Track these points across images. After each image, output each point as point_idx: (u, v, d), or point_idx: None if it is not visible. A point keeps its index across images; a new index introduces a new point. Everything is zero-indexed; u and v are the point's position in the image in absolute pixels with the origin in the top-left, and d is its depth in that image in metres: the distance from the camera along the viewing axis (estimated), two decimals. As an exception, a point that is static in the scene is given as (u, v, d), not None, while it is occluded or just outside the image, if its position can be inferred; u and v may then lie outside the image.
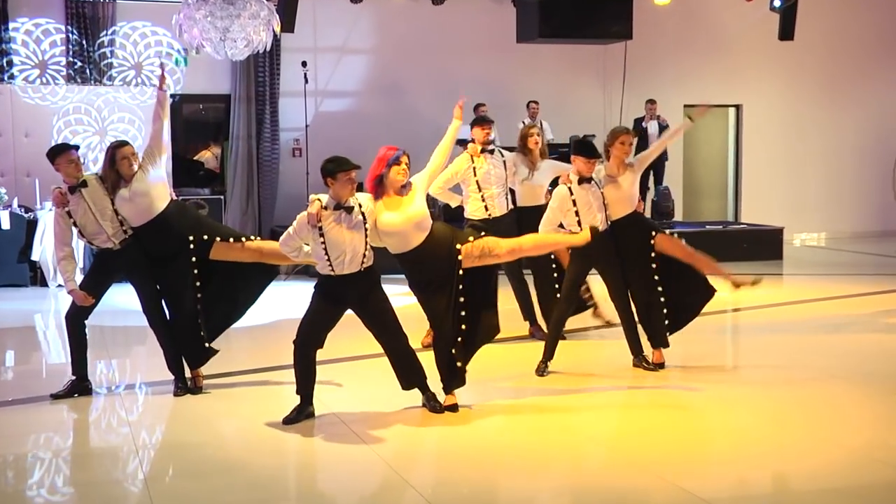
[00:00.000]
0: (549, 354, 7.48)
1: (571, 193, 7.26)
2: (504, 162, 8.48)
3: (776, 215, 16.09)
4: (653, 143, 15.24)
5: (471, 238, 6.39)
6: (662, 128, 15.35)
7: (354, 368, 7.63)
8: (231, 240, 6.96)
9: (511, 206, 8.53)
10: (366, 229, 6.16)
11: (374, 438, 5.95)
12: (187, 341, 6.91)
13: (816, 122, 17.33)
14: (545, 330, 8.30)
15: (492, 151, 8.46)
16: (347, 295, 6.23)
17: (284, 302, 11.16)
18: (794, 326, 9.50)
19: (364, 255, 6.15)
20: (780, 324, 9.67)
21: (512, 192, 8.59)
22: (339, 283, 6.16)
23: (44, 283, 11.96)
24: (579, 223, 7.24)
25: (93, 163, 12.99)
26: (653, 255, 7.43)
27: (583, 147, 7.41)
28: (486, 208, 8.35)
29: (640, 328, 7.61)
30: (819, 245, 16.98)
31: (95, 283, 6.85)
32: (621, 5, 14.88)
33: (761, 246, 14.54)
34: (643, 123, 15.37)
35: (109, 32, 13.93)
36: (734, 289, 7.65)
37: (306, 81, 13.02)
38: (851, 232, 17.42)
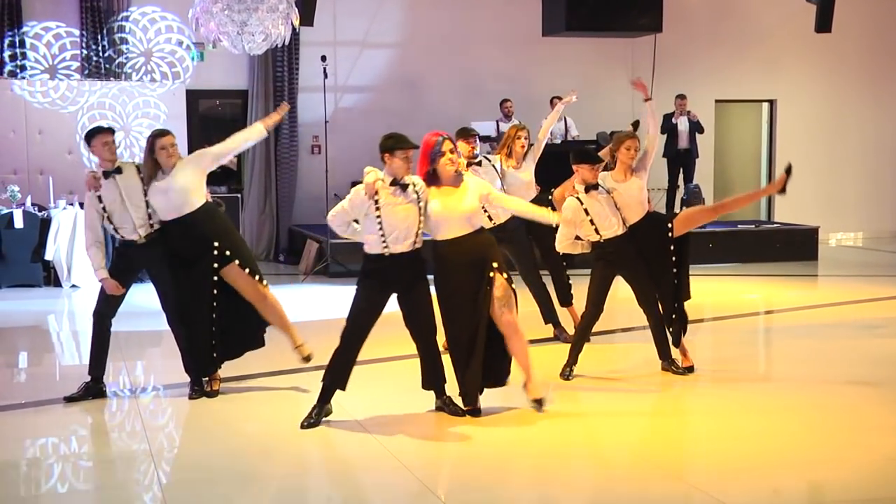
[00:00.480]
0: (574, 359, 7.48)
1: (582, 203, 7.29)
2: (494, 167, 8.48)
3: (811, 214, 15.98)
4: (682, 140, 15.33)
5: (503, 271, 6.37)
6: (693, 124, 15.32)
7: (370, 372, 7.63)
8: (247, 270, 6.97)
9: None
10: (419, 208, 6.26)
11: (393, 444, 5.95)
12: (194, 348, 6.94)
13: (855, 118, 17.21)
14: (569, 331, 8.30)
15: (479, 163, 8.45)
16: (396, 277, 6.30)
17: (302, 304, 11.20)
18: (829, 330, 9.44)
19: (416, 234, 6.26)
20: (813, 327, 9.61)
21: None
22: (389, 263, 6.24)
23: (57, 284, 12.05)
24: (597, 230, 7.28)
25: (141, 149, 13.11)
26: (672, 248, 7.42)
27: (584, 155, 7.43)
28: (490, 218, 8.29)
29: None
30: (856, 245, 16.86)
31: (118, 278, 6.89)
32: (651, -4, 14.84)
33: (795, 246, 14.47)
34: (673, 120, 15.31)
35: (119, 19, 13.96)
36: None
37: (326, 76, 13.04)
38: (891, 231, 17.31)
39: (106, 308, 6.98)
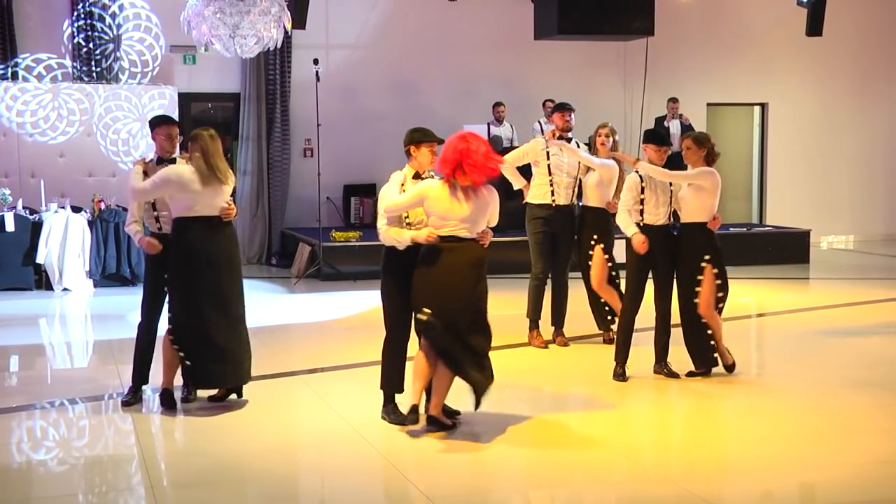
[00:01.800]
0: (623, 358, 7.47)
1: (642, 181, 7.37)
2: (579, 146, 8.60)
3: (803, 217, 16.03)
4: (674, 143, 15.35)
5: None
6: (685, 127, 15.32)
7: (366, 375, 7.63)
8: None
9: (575, 200, 8.61)
10: None
11: (387, 447, 5.96)
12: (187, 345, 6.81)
13: (846, 121, 17.25)
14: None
15: (569, 140, 8.54)
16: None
17: (294, 307, 11.22)
18: (821, 332, 9.47)
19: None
20: (805, 330, 9.64)
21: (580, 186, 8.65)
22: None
23: (49, 287, 12.01)
24: (641, 212, 7.34)
25: (134, 149, 13.10)
26: (699, 277, 7.46)
27: (652, 136, 7.59)
28: (553, 193, 8.43)
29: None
30: (847, 248, 16.90)
31: (154, 272, 6.87)
32: (643, 0, 14.87)
33: (787, 249, 14.50)
34: (665, 122, 15.35)
35: (87, 4, 13.87)
36: None
37: (318, 79, 13.03)
38: (883, 234, 17.35)
39: (150, 321, 6.94)
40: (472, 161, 6.08)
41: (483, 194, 6.22)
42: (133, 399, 6.86)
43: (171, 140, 6.94)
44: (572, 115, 8.66)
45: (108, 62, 13.95)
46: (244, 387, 6.91)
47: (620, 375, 7.44)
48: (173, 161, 6.92)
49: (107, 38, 13.91)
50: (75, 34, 13.87)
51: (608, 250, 8.45)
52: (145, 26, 13.92)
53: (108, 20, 13.92)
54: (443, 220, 6.14)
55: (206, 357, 6.66)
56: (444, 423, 6.21)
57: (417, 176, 6.33)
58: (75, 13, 13.88)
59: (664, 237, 7.42)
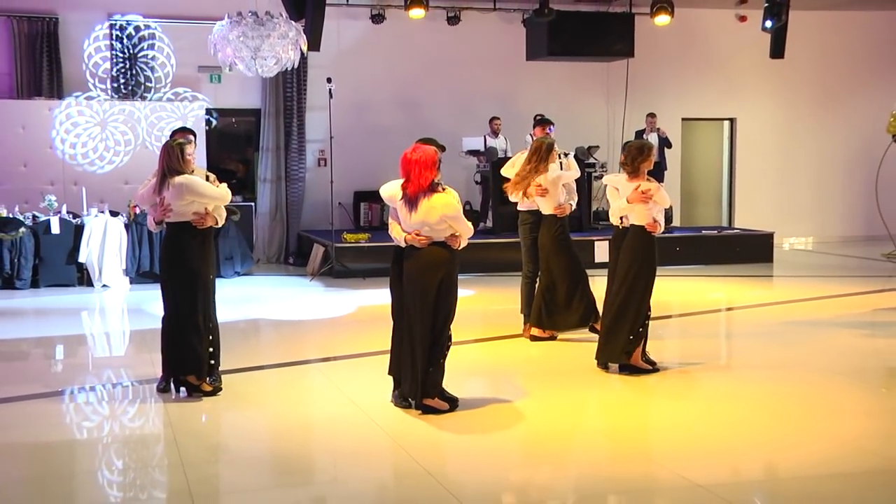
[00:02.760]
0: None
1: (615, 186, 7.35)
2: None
3: (767, 221, 16.02)
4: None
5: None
6: (662, 139, 15.32)
7: (375, 363, 7.61)
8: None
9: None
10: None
11: (395, 430, 5.94)
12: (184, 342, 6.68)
13: (805, 135, 17.25)
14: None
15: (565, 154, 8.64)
16: None
17: (309, 302, 11.19)
18: (785, 324, 9.45)
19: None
20: (771, 322, 9.62)
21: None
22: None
23: (90, 284, 12.00)
24: (621, 218, 7.23)
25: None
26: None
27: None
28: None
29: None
30: (807, 249, 16.89)
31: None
32: (624, 25, 14.86)
33: (753, 249, 14.48)
34: (644, 135, 15.31)
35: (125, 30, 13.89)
36: None
37: (331, 96, 13.00)
38: (839, 236, 17.32)
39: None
40: (410, 173, 5.98)
41: (434, 200, 5.98)
42: (167, 386, 6.81)
43: (190, 146, 6.76)
44: (552, 128, 8.64)
45: (143, 81, 13.93)
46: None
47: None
48: (192, 171, 6.81)
49: (143, 59, 13.89)
50: (115, 57, 13.85)
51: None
52: (177, 48, 13.88)
53: (145, 45, 13.90)
54: (404, 225, 6.08)
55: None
56: (439, 408, 6.16)
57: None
58: (115, 35, 13.85)
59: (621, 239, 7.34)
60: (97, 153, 13.22)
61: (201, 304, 6.55)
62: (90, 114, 13.26)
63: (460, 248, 6.12)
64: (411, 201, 6.02)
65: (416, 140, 6.32)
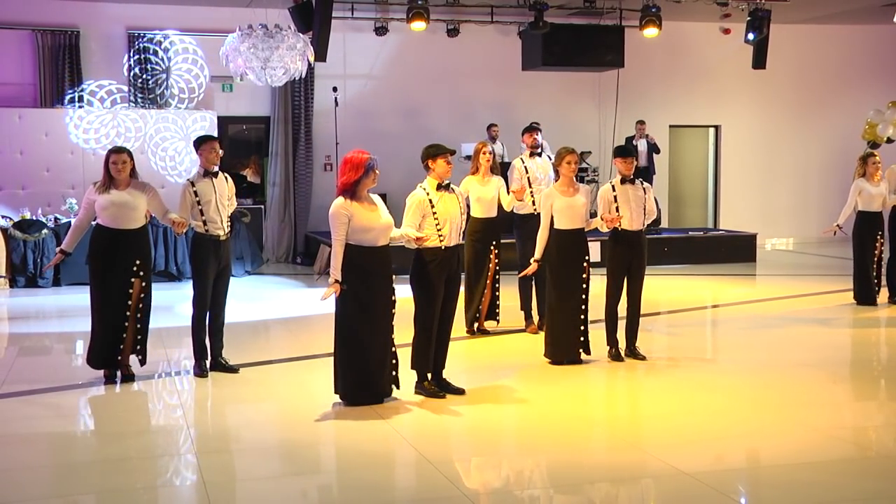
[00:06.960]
0: (613, 341, 7.47)
1: (614, 190, 7.30)
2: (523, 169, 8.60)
3: (750, 223, 16.05)
4: (642, 159, 15.35)
5: None
6: (651, 145, 15.33)
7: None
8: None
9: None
10: (461, 205, 6.39)
11: (394, 418, 5.95)
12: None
13: (786, 141, 17.28)
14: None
15: (540, 154, 8.66)
16: (453, 264, 6.33)
17: (315, 300, 11.18)
18: (767, 320, 9.46)
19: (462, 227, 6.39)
20: (754, 318, 9.63)
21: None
22: (445, 254, 6.25)
23: (108, 282, 11.96)
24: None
25: (179, 165, 13.07)
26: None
27: (621, 150, 7.50)
28: (534, 203, 8.38)
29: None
30: (788, 249, 16.90)
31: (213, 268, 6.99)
32: (614, 37, 14.87)
33: (737, 250, 14.49)
34: (634, 141, 15.33)
35: (143, 41, 13.84)
36: None
37: (337, 104, 13.04)
38: (818, 237, 17.30)
39: (201, 313, 7.04)
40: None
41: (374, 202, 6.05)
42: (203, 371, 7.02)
43: (216, 153, 6.98)
44: (539, 134, 8.74)
45: (161, 90, 13.93)
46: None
47: (616, 356, 7.42)
48: (216, 174, 6.92)
49: (159, 69, 13.88)
50: (132, 66, 13.86)
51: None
52: (192, 59, 13.89)
53: (161, 54, 13.89)
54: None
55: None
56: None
57: (439, 186, 6.28)
58: (133, 48, 13.87)
59: (640, 242, 7.35)
60: (109, 140, 13.18)
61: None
62: (111, 122, 13.24)
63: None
64: (370, 203, 6.07)
65: (423, 146, 6.40)
